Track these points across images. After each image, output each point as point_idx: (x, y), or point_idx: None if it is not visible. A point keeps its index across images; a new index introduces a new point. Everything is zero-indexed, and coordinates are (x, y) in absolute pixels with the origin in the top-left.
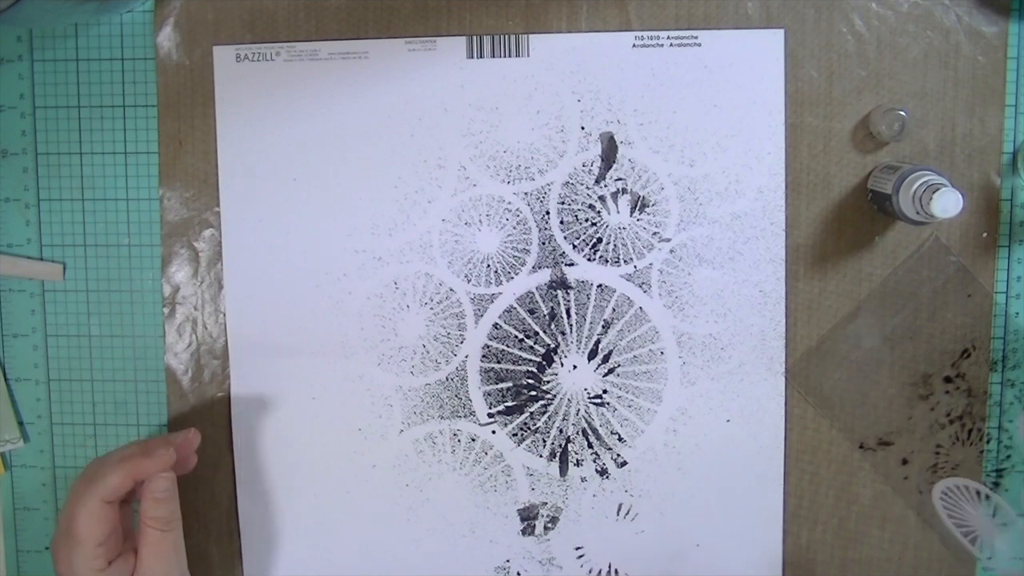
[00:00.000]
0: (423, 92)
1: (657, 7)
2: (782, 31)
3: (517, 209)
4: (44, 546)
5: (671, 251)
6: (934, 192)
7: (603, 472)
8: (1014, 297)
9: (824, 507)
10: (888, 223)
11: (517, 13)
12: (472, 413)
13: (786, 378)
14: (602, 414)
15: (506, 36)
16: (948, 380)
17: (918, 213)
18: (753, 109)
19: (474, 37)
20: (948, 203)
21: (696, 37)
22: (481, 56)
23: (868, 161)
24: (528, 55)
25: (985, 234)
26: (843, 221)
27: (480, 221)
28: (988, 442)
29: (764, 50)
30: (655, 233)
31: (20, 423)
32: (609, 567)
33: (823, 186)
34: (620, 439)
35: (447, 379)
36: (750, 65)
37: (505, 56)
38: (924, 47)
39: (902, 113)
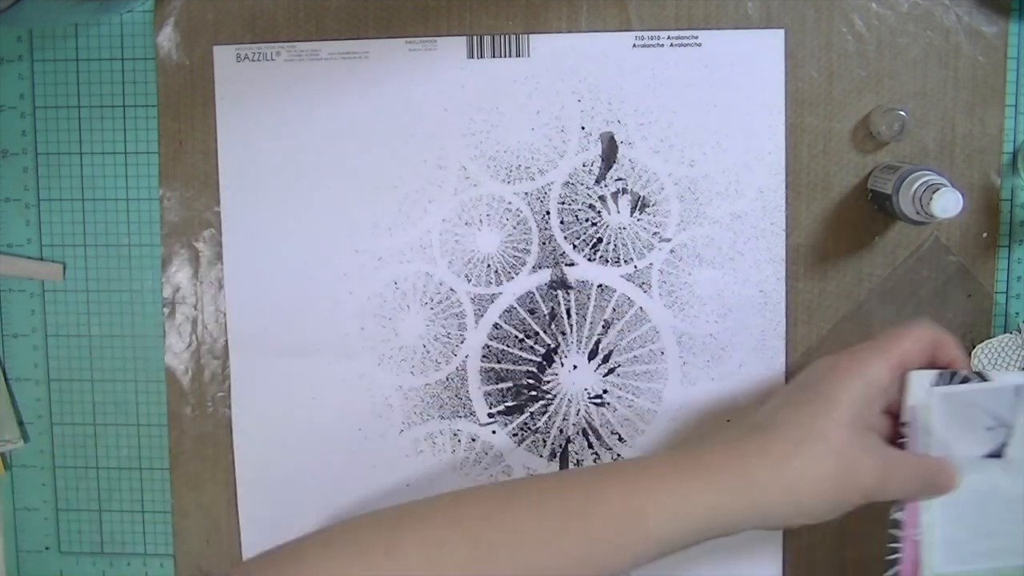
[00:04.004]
0: (424, 92)
1: (657, 7)
2: (782, 31)
3: (517, 209)
4: (44, 546)
5: (671, 251)
6: (934, 192)
7: None
8: (1014, 297)
9: None
10: (888, 223)
11: (517, 13)
12: (472, 413)
13: (786, 378)
14: (602, 414)
15: (507, 36)
16: None
17: (918, 213)
18: (754, 109)
19: (475, 37)
20: (948, 203)
21: (696, 37)
22: (482, 56)
23: (868, 161)
24: (529, 55)
25: (985, 234)
26: (843, 221)
27: (480, 221)
28: None
29: (764, 50)
30: (655, 233)
31: (20, 423)
32: None
33: (823, 186)
34: (620, 439)
35: (447, 379)
36: (750, 65)
37: (506, 56)
38: (924, 47)
39: (902, 113)
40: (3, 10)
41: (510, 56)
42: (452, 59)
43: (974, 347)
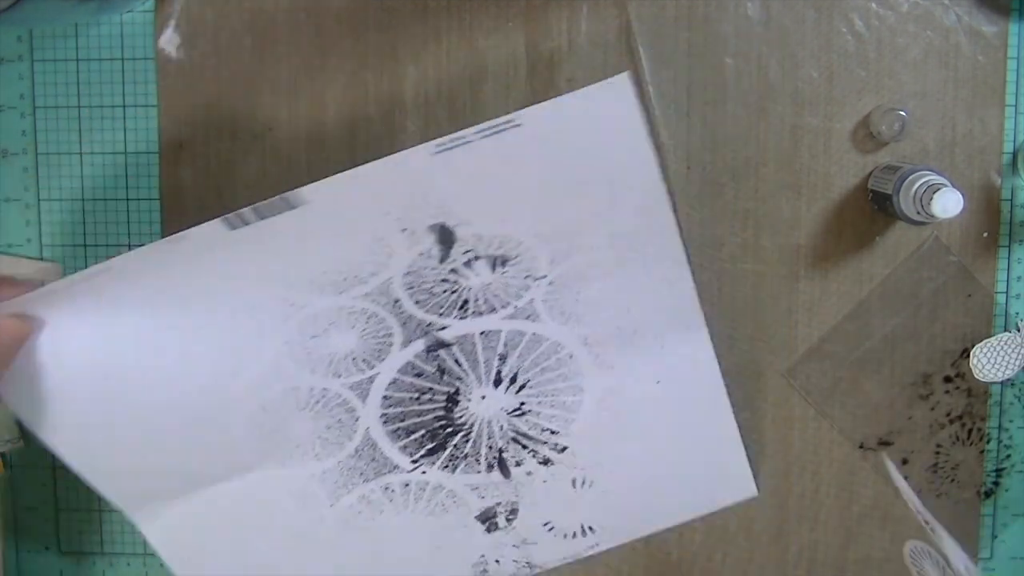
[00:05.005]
0: (227, 271)
1: (657, 7)
2: (626, 74)
3: (362, 309)
4: (44, 546)
5: (550, 283)
6: (934, 192)
7: (546, 462)
8: (1014, 297)
9: (824, 506)
10: (888, 223)
11: (518, 14)
12: (396, 467)
13: (787, 378)
14: (527, 420)
15: (270, 200)
16: (948, 380)
17: (919, 213)
18: (609, 153)
19: (229, 215)
20: (948, 203)
21: (512, 120)
22: (246, 224)
23: (868, 161)
24: (304, 203)
25: (985, 234)
26: (843, 221)
27: (326, 330)
28: (988, 442)
29: (605, 104)
30: (527, 276)
31: (20, 423)
32: (582, 527)
33: (823, 186)
34: (552, 432)
35: (357, 451)
36: (588, 127)
37: (274, 216)
38: (924, 47)
39: (902, 113)
40: (3, 10)
41: (279, 214)
42: (212, 239)
43: (973, 347)
